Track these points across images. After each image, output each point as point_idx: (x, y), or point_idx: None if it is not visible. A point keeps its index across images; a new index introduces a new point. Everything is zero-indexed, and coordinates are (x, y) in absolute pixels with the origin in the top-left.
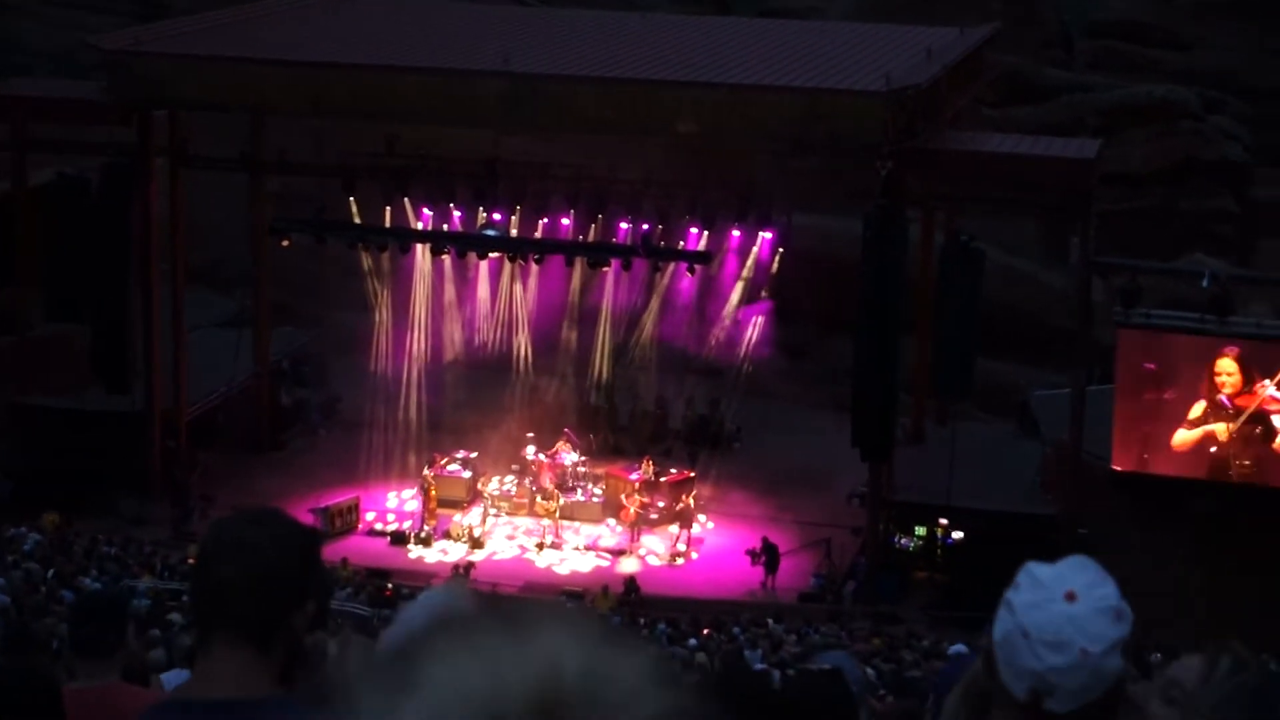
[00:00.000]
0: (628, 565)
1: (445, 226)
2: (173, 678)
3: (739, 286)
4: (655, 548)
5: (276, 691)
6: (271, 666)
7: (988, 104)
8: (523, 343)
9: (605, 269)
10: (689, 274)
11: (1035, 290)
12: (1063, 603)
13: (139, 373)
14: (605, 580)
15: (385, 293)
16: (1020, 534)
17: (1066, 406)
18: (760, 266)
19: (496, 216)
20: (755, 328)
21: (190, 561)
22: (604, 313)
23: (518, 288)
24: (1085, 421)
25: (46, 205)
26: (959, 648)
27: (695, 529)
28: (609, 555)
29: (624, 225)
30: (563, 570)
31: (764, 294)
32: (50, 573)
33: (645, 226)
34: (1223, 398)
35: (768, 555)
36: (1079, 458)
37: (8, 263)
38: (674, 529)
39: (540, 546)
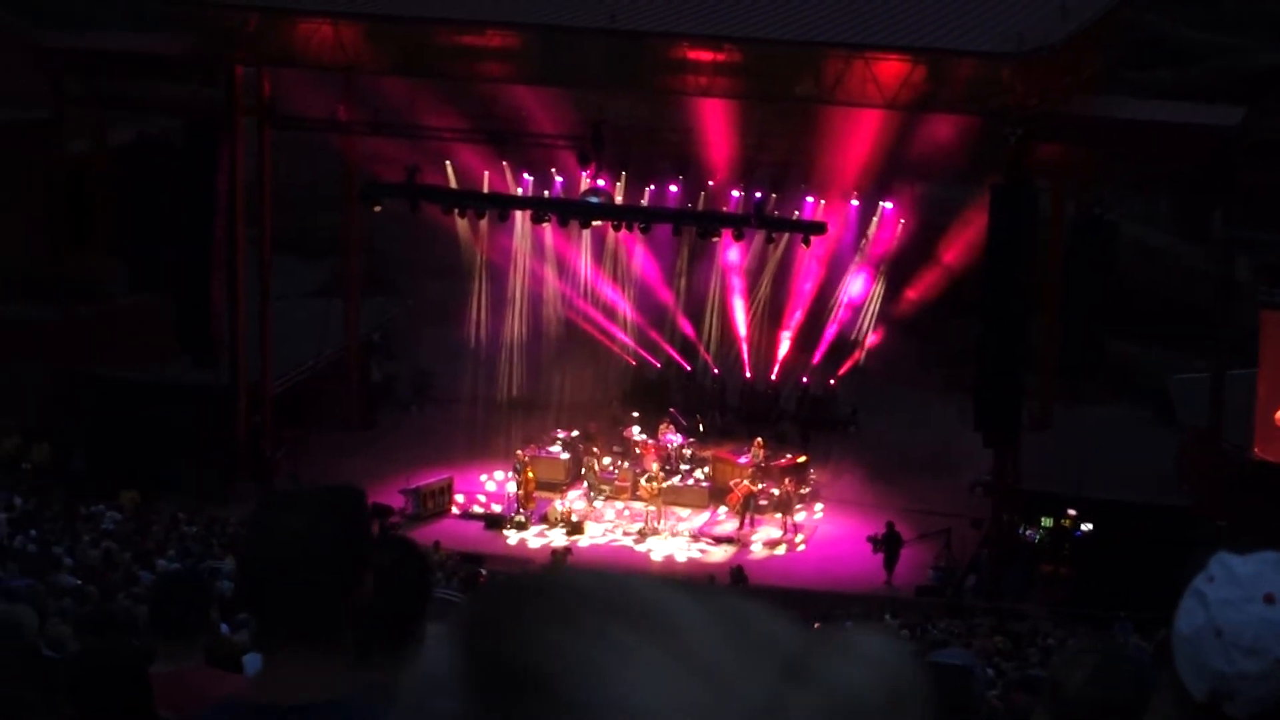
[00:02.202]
0: (734, 553)
1: (546, 193)
2: (256, 660)
3: (856, 259)
4: (765, 535)
5: (347, 688)
6: (340, 656)
7: (1127, 67)
8: (627, 317)
9: (715, 239)
10: (803, 245)
11: (1173, 267)
12: (1261, 605)
13: (224, 344)
14: (711, 569)
15: (482, 262)
16: (1153, 526)
17: (1205, 391)
18: (880, 239)
19: (601, 183)
20: (873, 304)
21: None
22: (713, 285)
23: (623, 258)
24: (1225, 408)
25: (127, 167)
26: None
27: (806, 516)
28: (716, 542)
29: (735, 193)
30: (669, 558)
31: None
32: (128, 553)
33: (758, 195)
34: None
35: (889, 546)
36: (1218, 446)
37: (86, 228)
38: (782, 516)
39: (643, 533)
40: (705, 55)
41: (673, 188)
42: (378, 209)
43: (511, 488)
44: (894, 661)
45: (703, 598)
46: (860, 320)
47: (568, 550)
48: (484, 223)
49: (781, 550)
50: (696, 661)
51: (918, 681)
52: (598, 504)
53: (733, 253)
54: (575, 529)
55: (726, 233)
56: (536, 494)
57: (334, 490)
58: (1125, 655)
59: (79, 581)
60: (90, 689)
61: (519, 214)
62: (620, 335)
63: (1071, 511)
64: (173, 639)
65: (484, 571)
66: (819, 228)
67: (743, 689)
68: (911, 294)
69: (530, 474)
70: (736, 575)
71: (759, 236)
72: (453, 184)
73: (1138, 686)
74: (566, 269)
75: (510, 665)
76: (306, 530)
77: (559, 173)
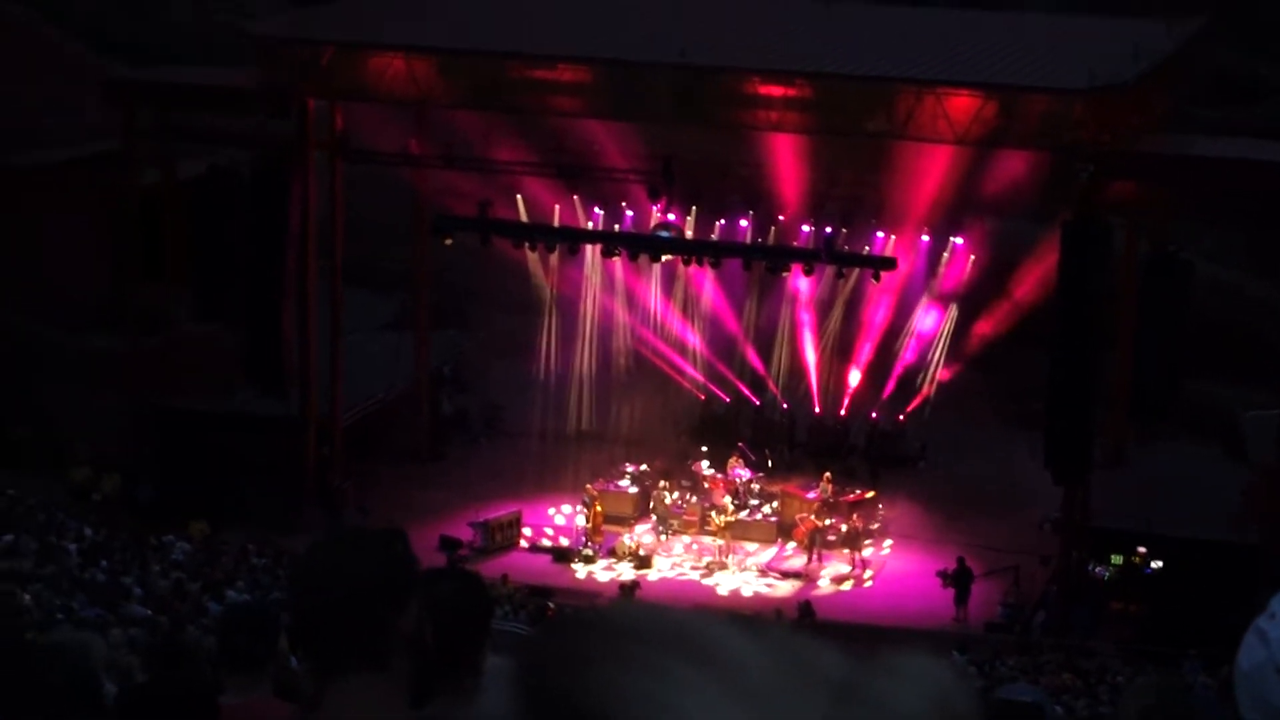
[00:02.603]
0: (802, 588)
1: (617, 227)
2: None
3: (926, 294)
4: (833, 570)
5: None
6: (394, 688)
7: (1198, 104)
8: (697, 351)
9: (785, 273)
10: (874, 280)
11: (1246, 304)
12: None
13: (293, 376)
14: (778, 604)
15: (552, 295)
16: (1224, 564)
17: (1276, 428)
18: (951, 274)
19: (671, 217)
20: (943, 339)
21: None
22: (783, 319)
23: (692, 293)
24: None
25: (197, 198)
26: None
27: (874, 551)
28: (783, 577)
29: (806, 228)
30: (736, 592)
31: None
32: (198, 584)
33: (828, 230)
34: None
35: (959, 581)
36: None
37: (156, 259)
38: (850, 551)
39: (710, 567)
40: (776, 90)
41: (743, 222)
42: (449, 242)
43: (580, 521)
44: (941, 681)
45: (756, 632)
46: (930, 355)
47: (635, 584)
48: (554, 256)
49: (849, 585)
50: (751, 693)
51: (966, 701)
52: (665, 538)
53: (803, 284)
54: (643, 563)
55: (796, 267)
56: (604, 528)
57: (377, 531)
58: (1186, 692)
59: (149, 612)
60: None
61: (589, 248)
62: (689, 369)
63: (1141, 549)
64: (240, 671)
65: (552, 605)
66: (889, 263)
67: (795, 715)
68: (982, 329)
69: (598, 507)
70: (804, 610)
71: (829, 271)
72: (523, 218)
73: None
74: (636, 303)
75: (571, 704)
76: (350, 561)
77: (629, 207)
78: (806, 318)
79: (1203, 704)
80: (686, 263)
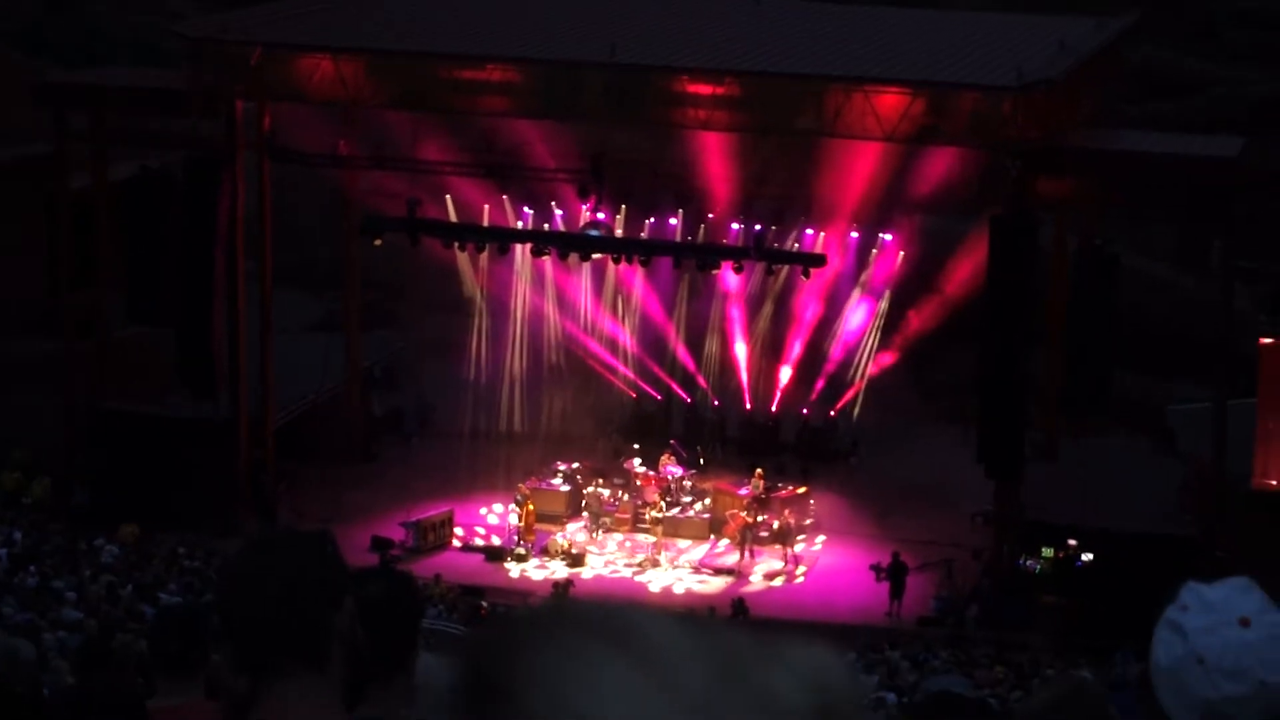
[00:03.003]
0: (735, 585)
1: (546, 226)
2: None
3: (856, 291)
4: (765, 567)
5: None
6: (330, 688)
7: (1125, 99)
8: (628, 349)
9: (715, 271)
10: (804, 277)
11: (1174, 298)
12: (1237, 628)
13: (225, 378)
14: (711, 601)
15: (482, 295)
16: (1155, 556)
17: (1207, 421)
18: (880, 270)
19: (601, 215)
20: (873, 335)
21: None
22: (714, 317)
23: (623, 292)
24: (1227, 437)
25: (129, 201)
26: (1085, 676)
27: (806, 547)
28: (717, 573)
29: (735, 226)
30: (670, 589)
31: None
32: (129, 586)
33: (758, 227)
34: None
35: (894, 575)
36: (1220, 476)
37: (88, 262)
38: (783, 547)
39: (643, 564)
40: (705, 89)
41: (673, 220)
42: (378, 243)
43: (513, 520)
44: (825, 673)
45: (682, 621)
46: (860, 352)
47: (569, 582)
48: (484, 256)
49: (781, 581)
50: (667, 675)
51: (848, 694)
52: (598, 535)
53: (733, 281)
54: (576, 561)
55: (726, 265)
56: (537, 526)
57: (304, 533)
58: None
59: (81, 615)
60: None
61: (519, 247)
62: (621, 367)
63: (1072, 541)
64: (173, 673)
65: (485, 604)
66: (819, 260)
67: (685, 686)
68: (912, 325)
69: (531, 506)
70: (737, 607)
71: (759, 268)
72: (453, 218)
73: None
74: (566, 302)
75: (490, 679)
76: (280, 561)
77: (559, 206)
78: (737, 315)
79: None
80: (616, 261)
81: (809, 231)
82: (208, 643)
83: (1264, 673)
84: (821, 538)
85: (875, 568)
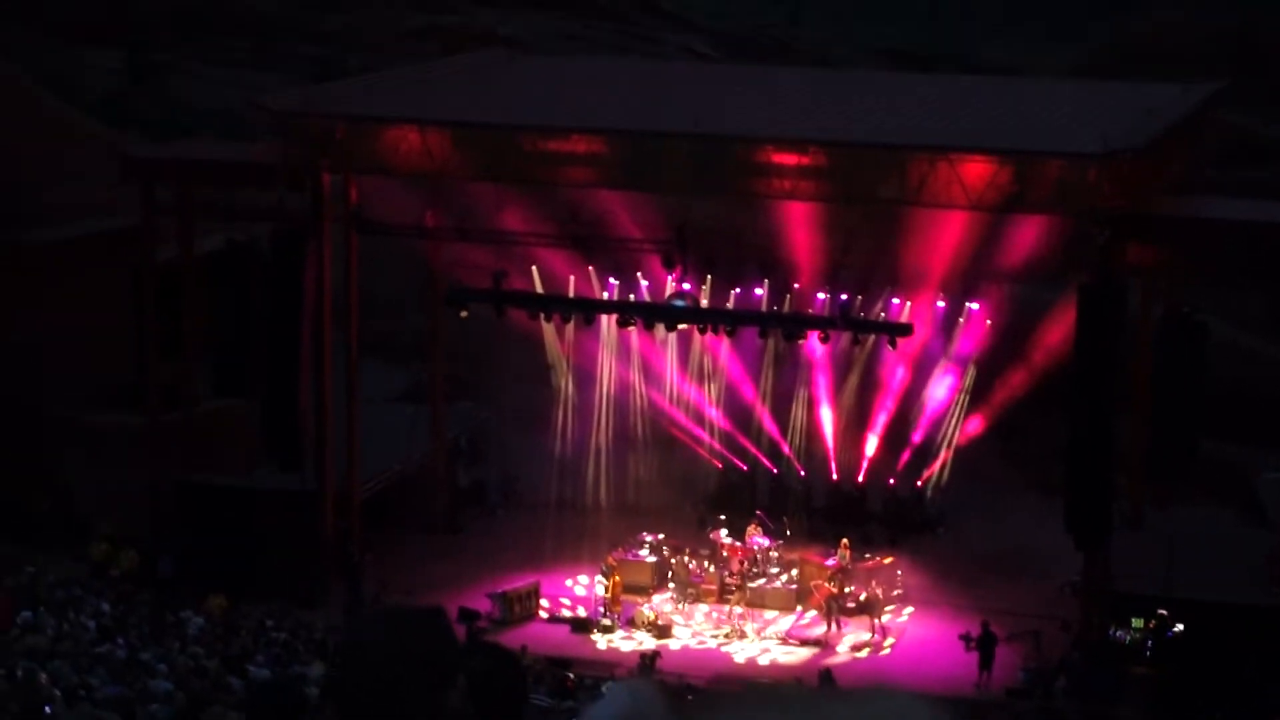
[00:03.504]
0: (821, 655)
1: (632, 296)
2: None
3: (943, 360)
4: (853, 637)
5: None
6: None
7: (1213, 166)
8: (713, 420)
9: (801, 341)
10: (890, 346)
11: (1263, 366)
12: None
13: (310, 449)
14: (800, 672)
15: (568, 366)
16: (1246, 628)
17: None
18: (967, 339)
19: (686, 286)
20: (960, 405)
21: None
22: (799, 387)
23: (708, 361)
24: None
25: (215, 273)
26: None
27: (893, 618)
28: (803, 644)
29: (821, 295)
30: (754, 660)
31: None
32: (216, 658)
33: (844, 297)
34: None
35: (984, 645)
36: None
37: (174, 335)
38: (870, 617)
39: (730, 635)
40: (789, 159)
41: (758, 290)
42: (464, 314)
43: (599, 591)
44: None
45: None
46: (947, 421)
47: (657, 654)
48: (570, 327)
49: (867, 653)
50: None
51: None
52: (684, 606)
53: (819, 351)
54: (663, 632)
55: (812, 334)
56: (623, 597)
57: (420, 608)
58: None
59: (171, 686)
60: None
61: (604, 318)
62: (706, 438)
63: (1162, 612)
64: None
65: (571, 675)
66: (905, 329)
67: None
68: (999, 394)
69: (617, 578)
70: (825, 678)
71: (845, 338)
72: (538, 288)
73: None
74: (652, 373)
75: None
76: (393, 638)
77: (644, 276)
78: (823, 384)
79: None
80: (702, 331)
81: (895, 301)
82: (300, 715)
83: None
84: (909, 609)
85: (965, 637)
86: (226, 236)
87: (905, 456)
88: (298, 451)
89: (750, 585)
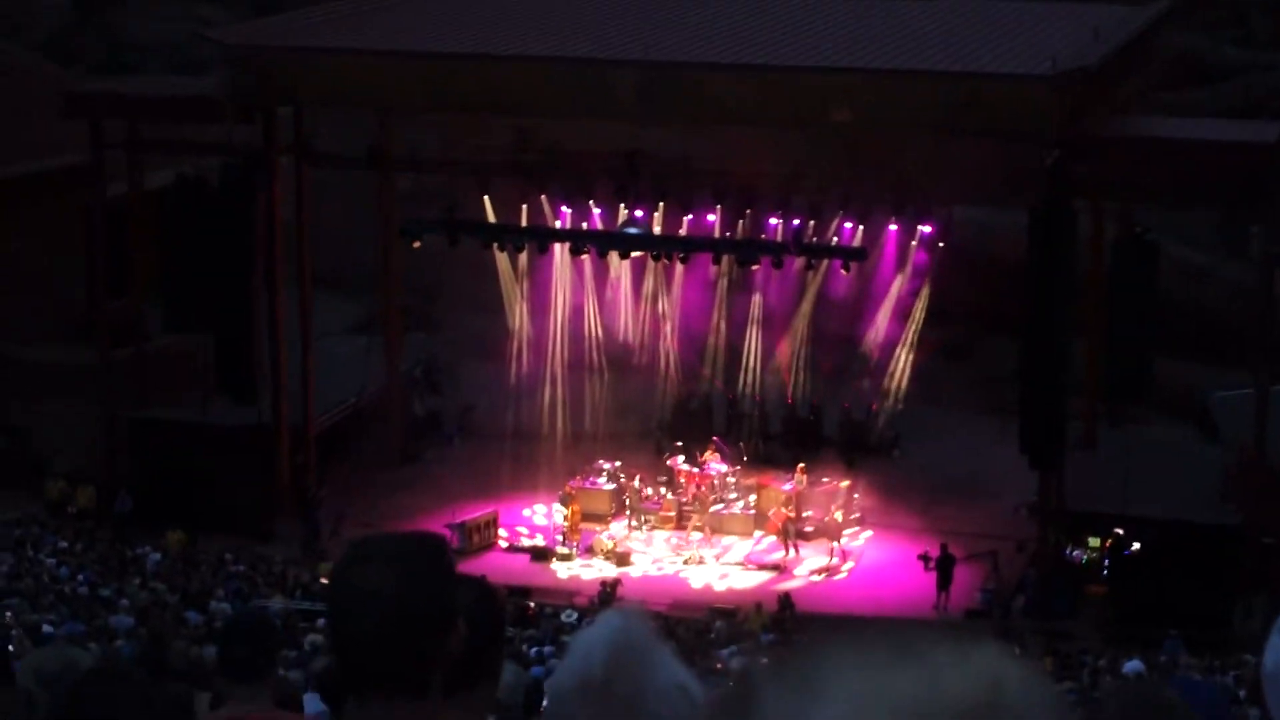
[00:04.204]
0: (781, 579)
1: (584, 225)
2: (312, 702)
3: (896, 284)
4: (811, 561)
5: None
6: (430, 703)
7: (1160, 86)
8: (668, 347)
9: (754, 267)
10: (843, 271)
11: (1214, 285)
12: None
13: (265, 384)
14: (759, 596)
15: (522, 296)
16: (1201, 544)
17: (1249, 408)
18: (918, 262)
19: (638, 214)
20: (913, 328)
21: (323, 581)
22: (753, 313)
23: (662, 288)
24: (1270, 424)
25: (165, 209)
26: (1135, 664)
27: (851, 541)
28: (763, 569)
29: (773, 221)
30: (713, 586)
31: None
32: (177, 595)
33: (796, 222)
34: None
35: (942, 567)
36: (1263, 462)
37: (125, 271)
38: (830, 543)
39: (689, 561)
40: (739, 84)
41: (711, 217)
42: (417, 245)
43: (559, 519)
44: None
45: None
46: (900, 345)
47: (617, 582)
48: (523, 256)
49: (826, 577)
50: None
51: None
52: (641, 534)
53: (772, 276)
54: (622, 560)
55: (766, 260)
56: (582, 525)
57: (421, 540)
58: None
59: (133, 622)
60: None
61: (558, 246)
62: (662, 365)
63: (1118, 531)
64: (241, 681)
65: (532, 604)
66: (859, 254)
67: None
68: (952, 317)
69: (576, 506)
70: (784, 603)
71: (799, 263)
72: (490, 218)
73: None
74: (606, 300)
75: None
76: (403, 583)
77: (597, 205)
78: (777, 310)
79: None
80: (655, 259)
81: (848, 225)
82: (276, 650)
83: None
84: (866, 532)
85: (924, 557)
86: (176, 172)
87: (860, 380)
88: (252, 386)
89: (709, 511)
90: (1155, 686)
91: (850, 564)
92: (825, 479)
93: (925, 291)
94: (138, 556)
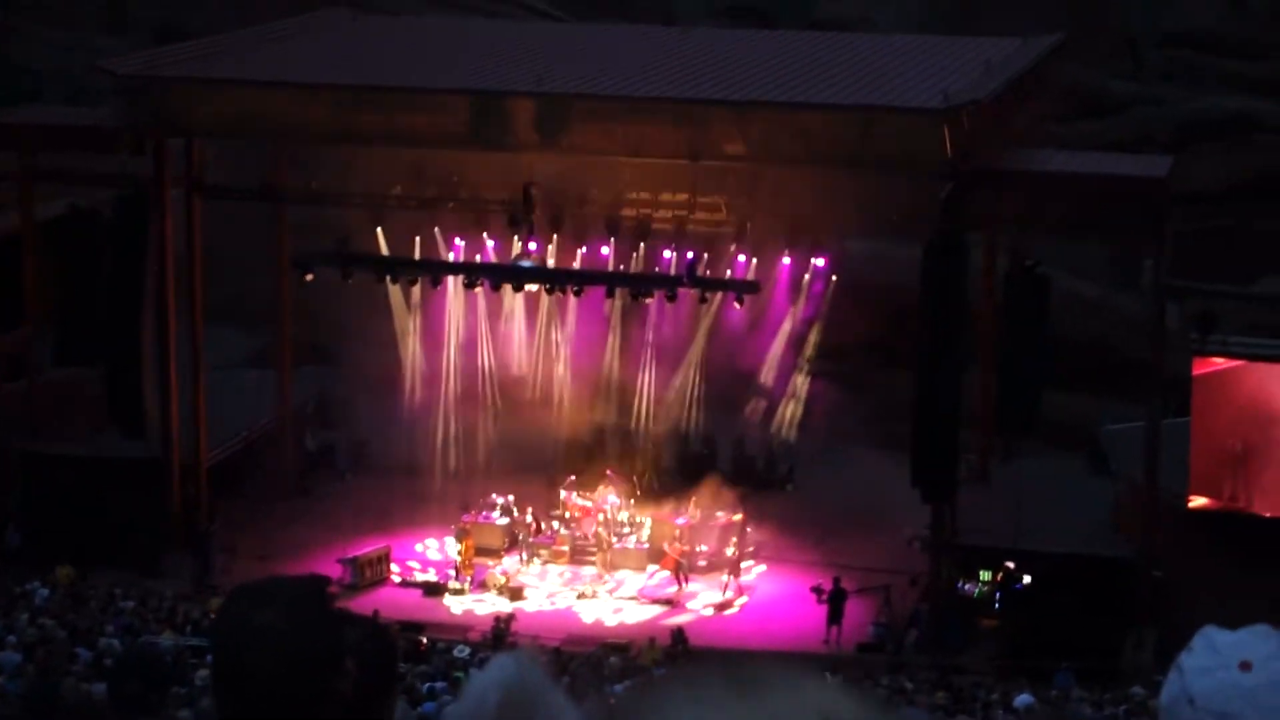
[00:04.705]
0: (673, 614)
1: (478, 257)
2: None
3: (789, 316)
4: (704, 596)
5: None
6: None
7: (1052, 119)
8: (562, 380)
9: (648, 300)
10: (737, 304)
11: (1106, 317)
12: (1235, 672)
13: (156, 417)
14: (651, 631)
15: (415, 329)
16: (1092, 577)
17: (1140, 441)
18: (812, 295)
19: (532, 246)
20: (807, 361)
21: (212, 616)
22: (648, 347)
23: (555, 322)
24: (1161, 457)
25: (57, 239)
26: (1025, 698)
27: (743, 576)
28: (657, 604)
29: (667, 254)
30: (607, 621)
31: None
32: (66, 631)
33: (690, 255)
34: None
35: (834, 601)
36: (1154, 495)
37: (15, 302)
38: (723, 577)
39: (582, 596)
40: (635, 116)
41: (605, 249)
42: (309, 277)
43: (452, 553)
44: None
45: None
46: (794, 378)
47: (512, 616)
48: (416, 289)
49: (717, 611)
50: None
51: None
52: (533, 568)
53: (666, 309)
54: (515, 595)
55: (660, 293)
56: (475, 560)
57: (303, 581)
58: None
59: (19, 658)
60: None
61: (451, 279)
62: (556, 398)
63: (1009, 564)
64: (134, 717)
65: (424, 640)
66: (752, 287)
67: None
68: (845, 350)
69: (469, 540)
70: (677, 637)
71: (692, 296)
72: (384, 251)
73: None
74: (500, 334)
75: None
76: (285, 620)
77: (490, 236)
78: (670, 343)
79: None
80: (550, 291)
81: (740, 258)
82: (168, 686)
83: (1254, 717)
84: (759, 566)
85: (817, 589)
86: (69, 202)
87: (753, 414)
88: (141, 419)
89: (603, 546)
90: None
91: (744, 598)
92: (719, 513)
93: (819, 325)
94: (26, 592)
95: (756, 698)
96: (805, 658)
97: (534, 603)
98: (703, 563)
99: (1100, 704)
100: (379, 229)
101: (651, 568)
